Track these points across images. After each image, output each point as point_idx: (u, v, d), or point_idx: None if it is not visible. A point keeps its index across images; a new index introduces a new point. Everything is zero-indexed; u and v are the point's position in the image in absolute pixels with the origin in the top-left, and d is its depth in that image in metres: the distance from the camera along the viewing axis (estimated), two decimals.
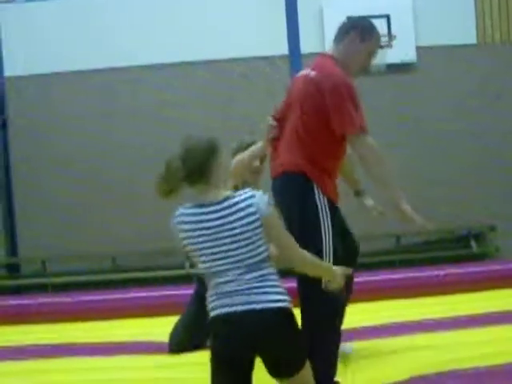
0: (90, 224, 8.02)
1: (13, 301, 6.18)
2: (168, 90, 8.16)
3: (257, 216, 2.56)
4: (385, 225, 7.27)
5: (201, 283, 4.12)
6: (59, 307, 5.75)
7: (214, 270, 2.60)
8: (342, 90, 3.30)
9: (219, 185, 2.64)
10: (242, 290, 2.55)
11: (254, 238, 2.56)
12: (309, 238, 3.17)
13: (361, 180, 4.00)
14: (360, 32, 3.54)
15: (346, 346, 3.85)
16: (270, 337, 2.56)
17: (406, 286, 5.78)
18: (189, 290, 5.40)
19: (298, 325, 2.70)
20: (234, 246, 2.55)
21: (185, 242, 2.65)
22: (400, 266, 7.62)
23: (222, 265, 2.57)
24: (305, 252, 2.71)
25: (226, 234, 2.55)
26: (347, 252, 3.51)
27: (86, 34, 8.09)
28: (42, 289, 7.73)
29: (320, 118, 3.34)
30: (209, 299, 2.65)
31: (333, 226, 3.35)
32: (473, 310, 4.98)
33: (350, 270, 3.00)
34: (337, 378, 3.41)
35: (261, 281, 2.57)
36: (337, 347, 3.40)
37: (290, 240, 2.68)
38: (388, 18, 7.88)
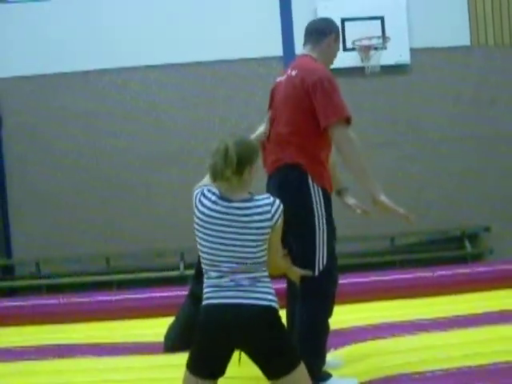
0: (84, 225, 8.01)
1: (7, 302, 6.16)
2: (164, 91, 8.17)
3: (269, 223, 2.69)
4: (379, 226, 7.35)
5: (196, 283, 4.12)
6: (53, 309, 5.74)
7: (213, 258, 2.69)
8: (326, 84, 3.46)
9: (247, 185, 2.76)
10: (237, 286, 2.65)
11: (259, 242, 2.69)
12: (303, 228, 3.36)
13: (342, 179, 4.02)
14: (336, 34, 3.83)
15: (335, 361, 3.87)
16: (259, 331, 2.65)
17: (400, 287, 5.79)
18: (183, 292, 5.44)
19: (284, 325, 2.78)
20: (239, 243, 2.66)
21: (196, 221, 2.73)
22: (394, 266, 7.64)
23: (222, 257, 2.67)
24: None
25: (236, 230, 2.66)
26: None
27: (83, 34, 8.08)
28: (37, 290, 7.71)
29: (306, 112, 3.46)
30: (204, 288, 2.73)
31: (329, 214, 3.48)
32: (466, 310, 5.00)
33: (310, 272, 3.29)
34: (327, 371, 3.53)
35: (255, 281, 2.68)
36: (325, 341, 3.56)
37: (279, 246, 2.84)
38: (382, 19, 7.90)
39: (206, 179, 2.86)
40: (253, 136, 3.51)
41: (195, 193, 2.77)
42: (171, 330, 4.43)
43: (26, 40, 8.17)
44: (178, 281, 7.36)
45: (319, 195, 3.43)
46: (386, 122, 8.12)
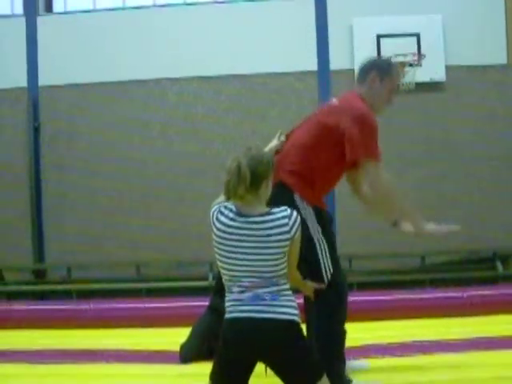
0: (115, 233, 8.12)
1: (38, 306, 6.27)
2: (199, 103, 8.27)
3: (287, 236, 2.69)
4: (410, 244, 7.30)
5: (216, 297, 4.16)
6: (83, 314, 5.82)
7: (233, 274, 2.70)
8: (364, 122, 3.47)
9: (264, 199, 2.77)
10: (258, 300, 2.66)
11: (278, 256, 2.69)
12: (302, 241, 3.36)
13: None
14: (378, 73, 3.70)
15: (360, 363, 3.87)
16: (281, 345, 2.67)
17: (429, 306, 5.74)
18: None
19: (306, 338, 2.79)
20: (258, 257, 2.67)
21: (215, 238, 2.75)
22: (424, 285, 7.57)
23: (242, 272, 2.69)
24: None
25: (256, 245, 2.67)
26: None
27: (120, 46, 8.26)
28: (67, 295, 7.83)
29: (327, 141, 3.50)
30: (226, 302, 2.75)
31: (323, 227, 3.50)
32: (496, 332, 4.94)
33: (322, 285, 3.31)
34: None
35: (276, 295, 2.69)
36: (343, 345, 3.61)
37: (297, 259, 2.83)
38: (418, 36, 7.89)
39: (222, 197, 2.87)
40: (266, 149, 3.53)
41: (212, 211, 2.77)
42: (188, 339, 4.44)
43: (65, 50, 8.36)
44: (207, 291, 7.39)
45: (308, 209, 3.45)
46: (419, 140, 8.08)
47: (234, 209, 2.73)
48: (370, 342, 4.58)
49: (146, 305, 6.08)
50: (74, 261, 8.18)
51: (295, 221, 2.72)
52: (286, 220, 2.69)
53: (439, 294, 6.02)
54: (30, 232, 8.44)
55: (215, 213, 2.75)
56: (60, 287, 8.02)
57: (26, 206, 8.42)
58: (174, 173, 8.17)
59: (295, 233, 2.70)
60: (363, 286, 7.08)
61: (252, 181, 2.67)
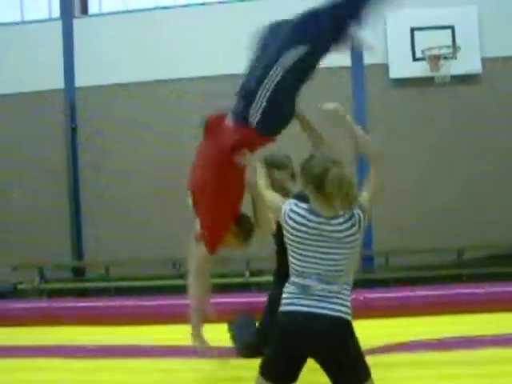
0: (152, 230, 8.22)
1: (78, 303, 6.37)
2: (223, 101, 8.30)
3: (356, 236, 2.76)
4: (446, 239, 7.24)
5: (277, 290, 4.14)
6: (121, 310, 5.90)
7: (301, 270, 2.78)
8: None
9: (342, 205, 2.78)
10: (316, 296, 2.73)
11: (349, 255, 2.77)
12: None
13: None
14: None
15: None
16: (331, 341, 2.71)
17: (466, 301, 5.66)
18: (247, 298, 5.50)
19: (357, 338, 2.78)
20: (328, 257, 2.76)
21: (287, 235, 2.82)
22: (461, 280, 7.47)
23: (310, 269, 2.76)
24: None
25: (329, 245, 2.75)
26: None
27: (150, 47, 8.35)
28: (106, 292, 7.95)
29: None
30: (286, 293, 2.79)
31: None
32: None
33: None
34: None
35: (336, 293, 2.76)
36: None
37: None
38: (453, 28, 7.79)
39: (272, 196, 2.95)
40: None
41: (284, 208, 2.82)
42: (246, 335, 4.42)
43: (100, 51, 8.48)
44: (243, 287, 7.43)
45: None
46: (455, 134, 7.97)
47: (306, 207, 2.81)
48: (403, 339, 4.54)
49: (183, 301, 6.11)
50: (112, 258, 8.30)
51: (359, 216, 2.78)
52: (354, 220, 2.76)
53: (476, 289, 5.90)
54: (69, 231, 8.60)
55: (287, 211, 2.84)
56: (101, 285, 8.15)
57: (64, 205, 8.58)
58: None
59: (363, 226, 2.78)
60: (400, 282, 7.04)
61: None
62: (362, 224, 2.75)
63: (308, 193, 2.79)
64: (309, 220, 2.76)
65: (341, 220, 2.74)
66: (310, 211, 2.77)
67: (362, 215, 2.77)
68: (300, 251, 2.76)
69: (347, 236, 2.73)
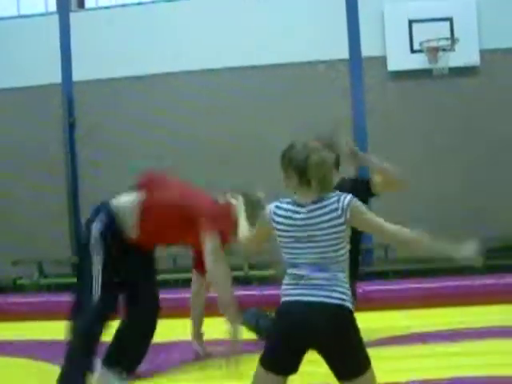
0: None
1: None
2: (225, 94, 8.29)
3: (341, 220, 2.73)
4: (446, 230, 7.21)
5: None
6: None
7: (292, 261, 2.80)
8: None
9: (317, 188, 2.82)
10: (312, 285, 2.74)
11: (334, 241, 2.74)
12: None
13: None
14: None
15: None
16: (331, 329, 2.70)
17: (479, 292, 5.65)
18: (247, 292, 5.49)
19: (357, 326, 2.78)
20: (314, 245, 2.76)
21: (275, 232, 2.84)
22: (460, 273, 7.47)
23: (301, 259, 2.78)
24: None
25: (312, 233, 2.75)
26: None
27: (149, 40, 8.32)
28: None
29: None
30: (284, 285, 2.82)
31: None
32: None
33: None
34: None
35: (332, 280, 2.75)
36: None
37: (382, 223, 2.86)
38: (451, 20, 7.77)
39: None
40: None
41: (268, 208, 2.88)
42: (267, 321, 4.42)
43: (97, 45, 8.46)
44: (241, 281, 7.43)
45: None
46: (454, 126, 7.97)
47: (289, 201, 2.83)
48: (418, 330, 4.54)
49: (179, 295, 6.11)
50: None
51: (344, 202, 2.75)
52: (335, 205, 2.75)
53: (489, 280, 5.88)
54: (67, 226, 8.59)
55: (272, 210, 2.87)
56: None
57: (63, 200, 8.57)
58: (208, 167, 8.21)
59: (347, 213, 2.73)
60: (399, 274, 7.04)
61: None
62: (346, 209, 2.74)
63: (290, 182, 2.82)
64: (294, 211, 2.79)
65: (324, 204, 2.76)
66: (294, 203, 2.81)
67: (348, 200, 2.77)
68: (291, 244, 2.79)
69: (331, 219, 2.73)
